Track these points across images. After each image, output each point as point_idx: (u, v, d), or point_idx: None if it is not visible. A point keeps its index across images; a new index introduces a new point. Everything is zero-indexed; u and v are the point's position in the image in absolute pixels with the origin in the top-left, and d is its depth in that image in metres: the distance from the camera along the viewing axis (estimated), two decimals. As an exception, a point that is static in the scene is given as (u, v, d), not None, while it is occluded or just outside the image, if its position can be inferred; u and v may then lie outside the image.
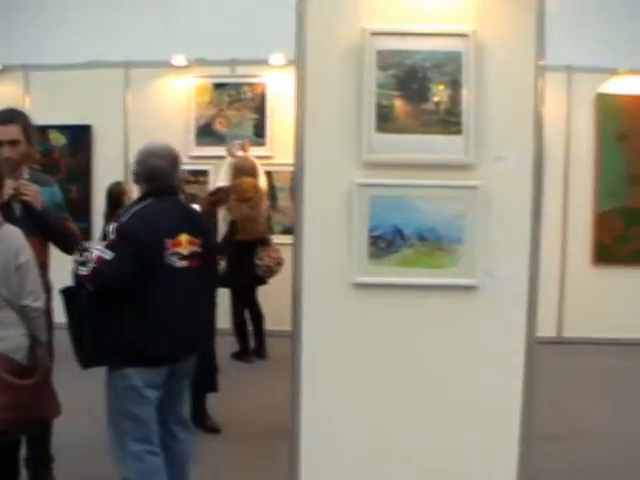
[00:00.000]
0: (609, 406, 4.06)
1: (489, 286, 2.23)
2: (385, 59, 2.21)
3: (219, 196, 4.25)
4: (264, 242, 4.67)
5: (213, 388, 3.58)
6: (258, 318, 4.87)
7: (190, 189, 4.46)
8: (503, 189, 2.24)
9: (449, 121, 2.23)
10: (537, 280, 2.31)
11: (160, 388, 2.39)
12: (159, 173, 2.43)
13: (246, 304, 4.84)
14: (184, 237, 2.42)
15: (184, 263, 2.41)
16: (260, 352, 4.87)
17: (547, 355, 5.02)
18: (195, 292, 2.45)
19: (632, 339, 5.41)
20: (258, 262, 4.57)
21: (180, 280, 2.38)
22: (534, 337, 2.32)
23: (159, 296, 2.33)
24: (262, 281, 4.70)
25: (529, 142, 2.27)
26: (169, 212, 2.44)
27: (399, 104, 2.22)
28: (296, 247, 2.26)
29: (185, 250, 2.41)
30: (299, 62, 2.22)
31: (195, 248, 2.46)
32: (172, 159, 2.49)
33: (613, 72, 5.51)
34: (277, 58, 5.31)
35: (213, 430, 3.53)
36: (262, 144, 5.39)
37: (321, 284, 2.25)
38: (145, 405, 2.35)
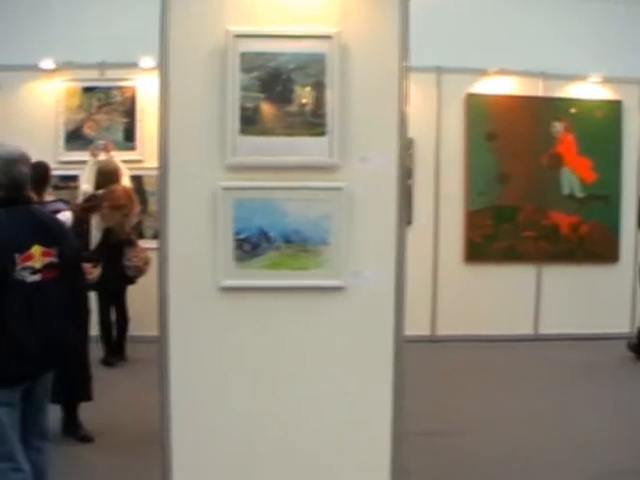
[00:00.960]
0: (482, 402, 4.46)
1: (356, 287, 2.44)
2: (249, 61, 2.35)
3: (92, 203, 4.60)
4: (130, 243, 4.97)
5: (87, 397, 3.73)
6: (124, 321, 5.17)
7: (60, 195, 4.51)
8: (368, 190, 2.43)
9: (313, 123, 2.40)
10: (404, 280, 2.50)
11: (16, 407, 2.44)
12: (23, 181, 2.47)
13: (114, 306, 5.12)
14: (36, 249, 2.45)
15: (36, 277, 2.44)
16: (121, 354, 5.15)
17: (421, 353, 5.52)
18: (51, 306, 2.48)
19: (503, 335, 6.03)
20: (127, 263, 4.90)
21: (32, 295, 2.41)
22: (402, 336, 2.53)
23: (8, 315, 2.35)
24: (131, 281, 5.05)
25: (393, 142, 2.45)
26: (20, 223, 2.46)
27: (263, 106, 2.38)
28: (162, 251, 2.37)
29: (37, 263, 2.45)
30: (163, 65, 2.32)
31: (50, 259, 2.49)
32: (29, 164, 2.52)
33: (482, 73, 6.09)
34: (147, 61, 5.48)
35: (86, 440, 3.68)
36: (132, 148, 5.63)
37: (187, 288, 2.38)
38: (2, 425, 2.39)
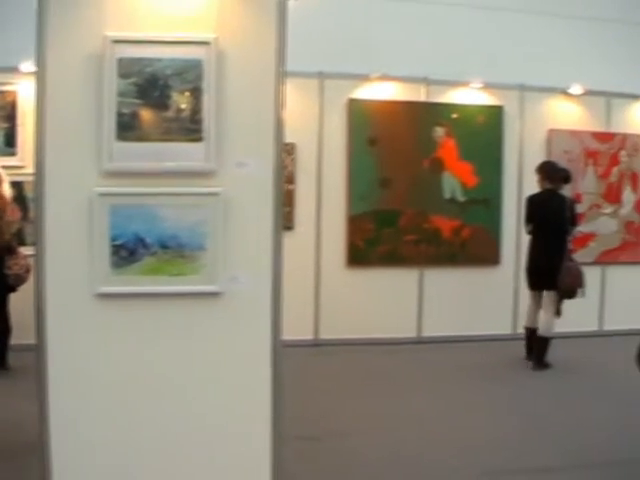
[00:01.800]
0: (365, 405, 4.73)
1: (233, 292, 2.61)
2: (126, 67, 2.51)
3: None
4: (10, 251, 5.11)
5: None
6: (6, 330, 5.29)
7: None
8: (245, 195, 2.62)
9: (190, 128, 2.57)
10: (280, 284, 2.69)
11: None
12: None
13: None
14: None
15: None
16: (2, 363, 5.27)
17: (304, 357, 5.89)
18: None
19: (387, 339, 6.48)
20: (7, 271, 5.05)
21: None
22: (280, 340, 2.73)
23: None
24: (12, 289, 5.21)
25: (270, 147, 2.65)
26: None
27: (140, 112, 2.54)
28: (38, 258, 2.47)
29: None
30: (40, 69, 2.44)
31: None
32: None
33: (365, 78, 6.49)
34: (28, 66, 5.53)
35: None
36: (13, 154, 5.76)
37: (64, 295, 2.50)
38: None
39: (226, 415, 2.67)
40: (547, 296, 5.85)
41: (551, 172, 5.91)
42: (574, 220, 5.89)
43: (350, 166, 6.47)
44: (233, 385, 2.68)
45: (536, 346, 5.83)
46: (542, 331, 5.80)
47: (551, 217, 5.80)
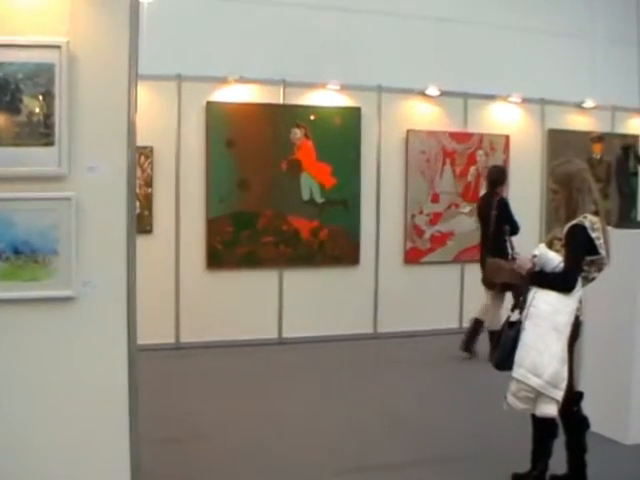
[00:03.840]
0: (227, 406, 4.96)
1: (87, 297, 2.74)
2: None
3: None
4: None
5: None
6: None
7: None
8: (97, 199, 2.74)
9: (42, 133, 2.69)
10: (135, 288, 2.84)
11: None
12: None
13: None
14: None
15: None
16: None
17: (165, 361, 6.07)
18: None
19: (248, 340, 6.75)
20: None
21: None
22: (136, 343, 2.87)
23: None
24: None
25: (122, 151, 2.76)
26: None
27: None
28: None
29: None
30: None
31: None
32: None
33: (223, 81, 6.74)
34: None
35: None
36: None
37: None
38: None
39: (84, 420, 2.78)
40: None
41: (488, 176, 6.47)
42: (504, 219, 5.96)
43: (209, 168, 6.71)
44: (90, 390, 2.78)
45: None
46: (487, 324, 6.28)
47: (482, 217, 6.35)
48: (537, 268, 3.43)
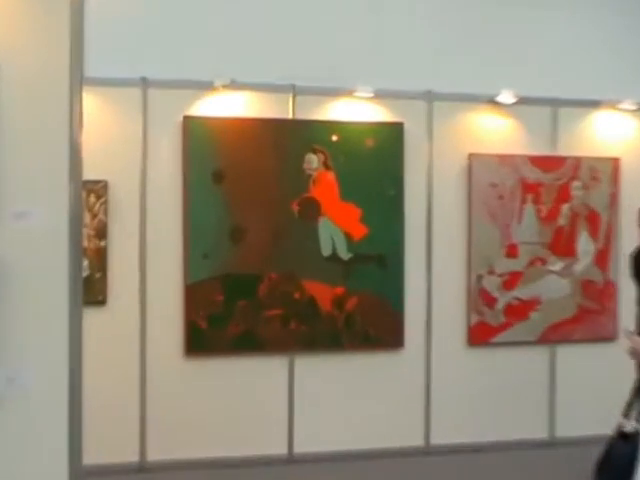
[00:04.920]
0: None
1: (13, 400, 2.95)
2: None
3: None
4: None
5: None
6: None
7: None
8: (27, 257, 2.92)
9: None
10: (80, 386, 3.08)
11: None
12: None
13: None
14: None
15: None
16: None
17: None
18: None
19: (241, 459, 7.11)
20: None
21: None
22: (81, 467, 3.13)
23: None
24: None
25: (63, 189, 2.98)
26: None
27: None
28: None
29: None
30: None
31: None
32: None
33: (208, 87, 7.06)
34: None
35: None
36: None
37: None
38: None
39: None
40: None
41: None
42: None
43: (188, 212, 7.02)
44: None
45: None
46: None
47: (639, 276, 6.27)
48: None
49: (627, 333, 3.93)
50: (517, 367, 7.80)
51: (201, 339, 7.11)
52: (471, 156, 7.69)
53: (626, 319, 6.52)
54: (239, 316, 7.17)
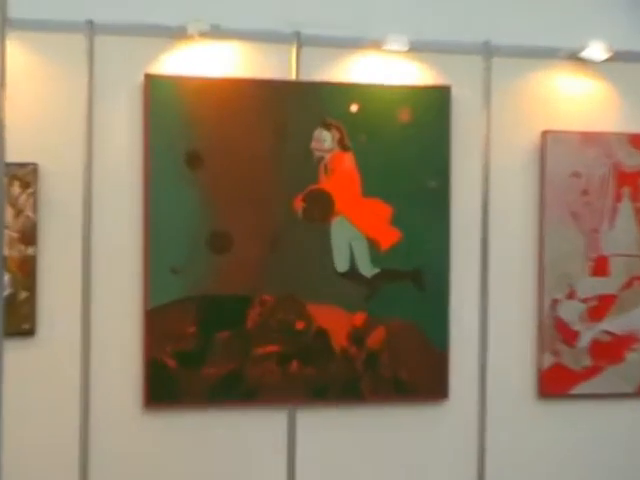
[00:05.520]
0: None
1: None
2: None
3: None
4: None
5: None
6: None
7: None
8: None
9: None
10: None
11: None
12: None
13: None
14: None
15: None
16: None
17: None
18: None
19: None
20: None
21: None
22: None
23: None
24: None
25: None
26: None
27: None
28: None
29: None
30: None
31: None
32: None
33: (175, 35, 6.91)
34: None
35: None
36: None
37: None
38: None
39: None
40: None
41: None
42: None
43: (150, 209, 6.84)
44: None
45: None
46: None
47: None
48: None
49: None
50: (607, 429, 7.66)
51: (167, 384, 6.93)
52: (545, 134, 7.51)
53: None
54: (220, 353, 7.00)
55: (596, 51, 7.51)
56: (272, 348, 7.09)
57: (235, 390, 7.03)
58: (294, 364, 7.13)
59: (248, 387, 7.04)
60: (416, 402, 7.39)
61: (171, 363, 6.92)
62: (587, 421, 7.64)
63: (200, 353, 6.97)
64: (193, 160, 6.97)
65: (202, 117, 6.97)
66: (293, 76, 7.19)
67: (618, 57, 7.55)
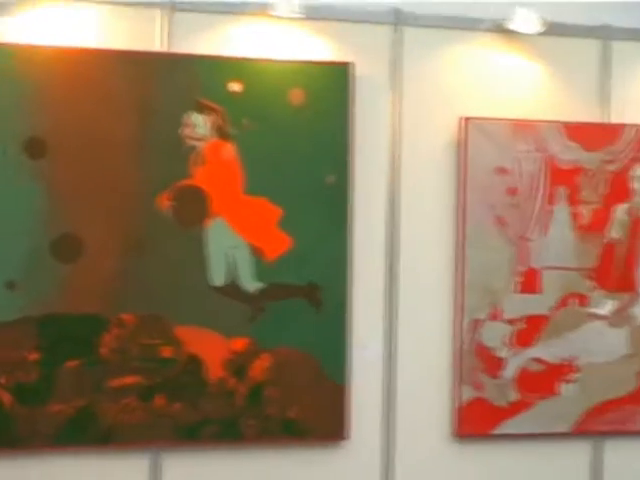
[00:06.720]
0: None
1: None
2: None
3: None
4: None
5: None
6: None
7: None
8: None
9: None
10: None
11: None
12: None
13: None
14: None
15: None
16: None
17: None
18: None
19: None
20: None
21: None
22: None
23: None
24: None
25: None
26: None
27: None
28: None
29: None
30: None
31: None
32: None
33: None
34: None
35: None
36: None
37: None
38: None
39: None
40: None
41: None
42: None
43: None
44: None
45: None
46: None
47: None
48: None
49: None
50: (537, 476, 7.61)
51: (1, 426, 6.61)
52: (465, 121, 7.39)
53: None
54: (68, 387, 6.68)
55: (526, 22, 7.41)
56: (132, 380, 6.80)
57: (87, 431, 6.75)
58: (159, 399, 6.86)
59: (103, 428, 6.76)
60: (309, 444, 7.21)
61: (6, 399, 6.61)
62: (513, 467, 7.57)
63: (43, 387, 6.65)
64: (35, 148, 6.64)
65: (48, 96, 6.66)
66: (162, 47, 6.97)
67: (553, 30, 7.48)
